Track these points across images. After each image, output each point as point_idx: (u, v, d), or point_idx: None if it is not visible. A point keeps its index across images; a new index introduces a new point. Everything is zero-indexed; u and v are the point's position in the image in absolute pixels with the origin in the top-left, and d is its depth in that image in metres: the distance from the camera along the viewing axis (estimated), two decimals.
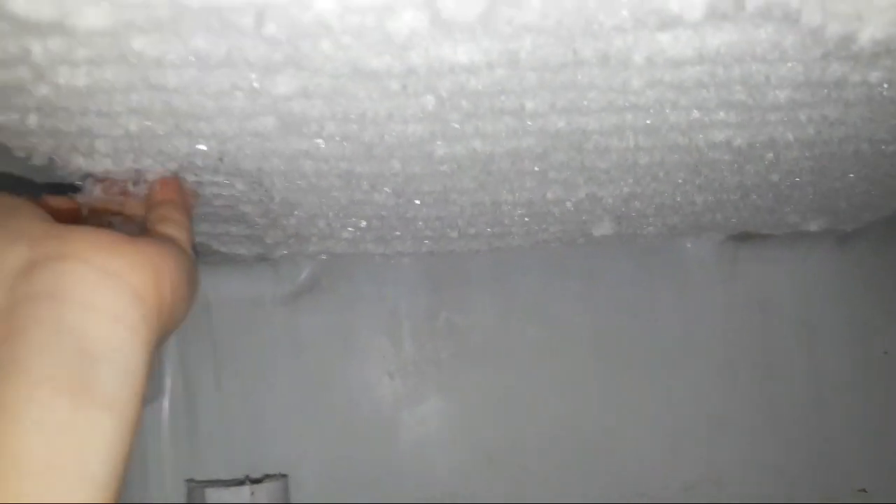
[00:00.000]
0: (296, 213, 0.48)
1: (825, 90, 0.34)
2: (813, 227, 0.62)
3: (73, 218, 0.36)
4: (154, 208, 0.36)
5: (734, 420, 0.74)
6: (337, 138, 0.36)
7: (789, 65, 0.31)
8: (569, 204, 0.49)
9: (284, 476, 0.62)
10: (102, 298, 0.24)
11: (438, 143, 0.38)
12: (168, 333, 0.28)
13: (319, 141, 0.36)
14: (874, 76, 0.33)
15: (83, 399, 0.22)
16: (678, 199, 0.50)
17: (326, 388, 0.70)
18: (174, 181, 0.40)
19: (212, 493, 0.56)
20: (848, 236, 0.73)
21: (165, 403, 0.64)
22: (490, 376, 0.73)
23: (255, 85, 0.31)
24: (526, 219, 0.53)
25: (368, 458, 0.71)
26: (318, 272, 0.69)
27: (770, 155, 0.43)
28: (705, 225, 0.58)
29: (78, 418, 0.22)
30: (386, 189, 0.44)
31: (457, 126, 0.36)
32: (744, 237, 0.73)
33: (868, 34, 0.26)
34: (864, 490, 0.73)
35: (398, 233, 0.54)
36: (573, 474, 0.73)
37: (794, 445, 0.73)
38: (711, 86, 0.33)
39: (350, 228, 0.53)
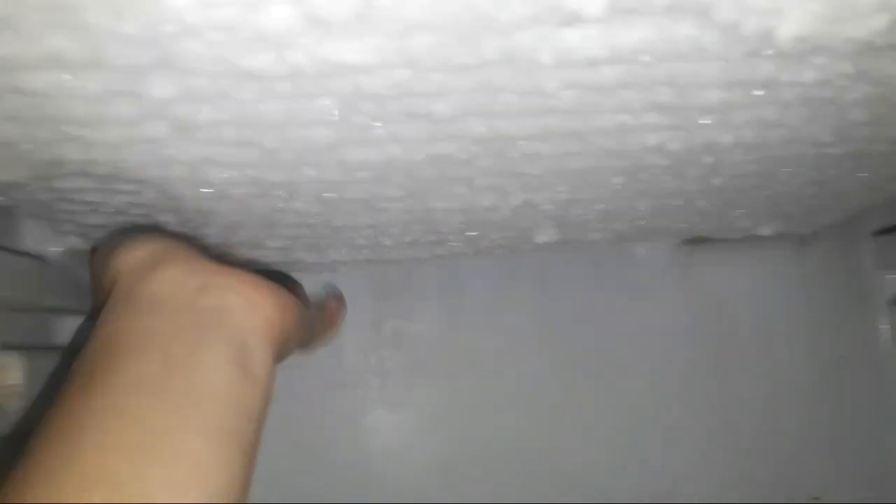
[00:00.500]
0: (216, 221, 0.45)
1: (758, 91, 0.32)
2: (765, 231, 0.60)
3: None
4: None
5: (689, 426, 0.72)
6: (236, 144, 0.33)
7: (714, 64, 0.29)
8: (505, 210, 0.47)
9: None
10: (249, 318, 0.32)
11: (350, 148, 0.35)
12: (284, 354, 0.37)
13: (218, 147, 0.33)
14: (807, 76, 0.30)
15: (245, 371, 0.30)
16: (619, 204, 0.48)
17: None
18: (341, 311, 0.53)
19: None
20: (805, 240, 0.72)
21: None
22: (438, 386, 0.71)
23: (131, 89, 0.28)
24: (463, 226, 0.50)
25: (310, 473, 0.68)
26: None
27: (709, 159, 0.40)
28: (653, 230, 0.56)
29: (242, 382, 0.30)
30: (304, 197, 0.41)
31: (365, 131, 0.33)
32: (698, 241, 0.71)
33: (787, 30, 0.24)
34: (818, 497, 0.71)
35: (329, 241, 0.51)
36: (525, 483, 0.70)
37: (749, 451, 0.72)
38: (634, 87, 0.30)
39: (276, 238, 0.50)
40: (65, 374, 0.30)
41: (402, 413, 0.71)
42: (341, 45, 0.25)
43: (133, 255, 0.34)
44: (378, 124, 0.32)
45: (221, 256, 0.47)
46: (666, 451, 0.72)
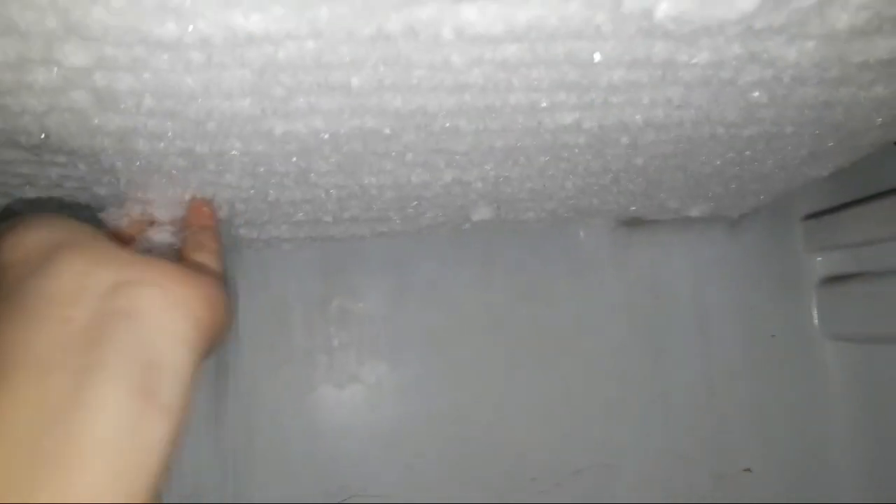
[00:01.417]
0: (148, 195, 0.46)
1: (659, 71, 0.34)
2: (694, 212, 0.62)
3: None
4: (191, 235, 0.41)
5: (627, 404, 0.74)
6: (159, 115, 0.34)
7: (610, 43, 0.30)
8: (437, 187, 0.48)
9: None
10: (171, 321, 0.28)
11: (273, 120, 0.36)
12: (213, 350, 0.32)
13: (140, 117, 0.34)
14: (701, 57, 0.32)
15: (150, 402, 0.26)
16: (546, 183, 0.49)
17: (210, 379, 0.67)
18: (209, 205, 0.44)
19: None
20: (738, 222, 0.75)
21: None
22: (384, 364, 0.72)
23: (45, 56, 0.28)
24: (399, 203, 0.52)
25: (257, 451, 0.69)
26: None
27: (625, 139, 0.42)
28: (585, 210, 0.58)
29: (143, 418, 0.26)
30: (235, 170, 0.42)
31: (286, 102, 0.34)
32: (636, 223, 0.73)
33: (663, 9, 0.26)
34: (749, 469, 0.74)
35: (266, 217, 0.52)
36: (468, 460, 0.72)
37: (684, 428, 0.75)
38: (537, 65, 0.32)
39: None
40: None
41: (349, 389, 0.72)
42: (244, 15, 0.26)
43: (22, 243, 0.29)
44: (296, 96, 0.33)
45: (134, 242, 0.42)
46: (605, 426, 0.74)
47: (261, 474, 0.69)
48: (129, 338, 0.26)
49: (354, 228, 0.56)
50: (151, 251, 0.41)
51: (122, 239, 0.40)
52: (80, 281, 0.27)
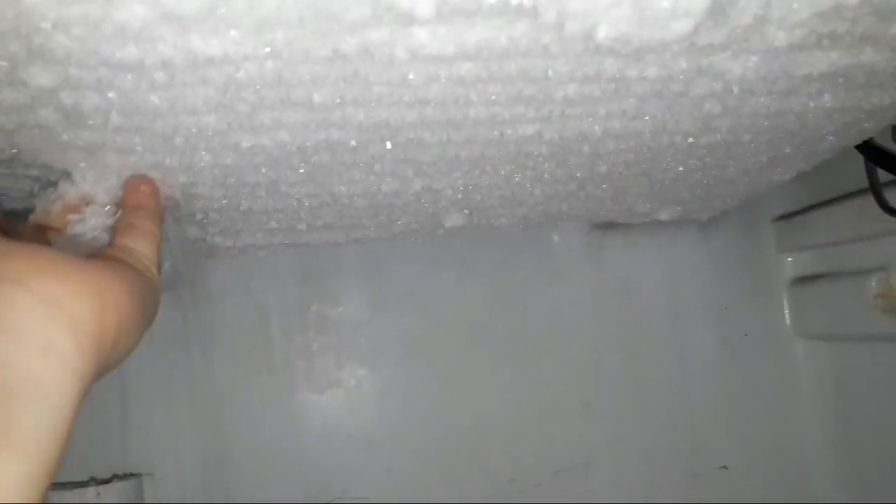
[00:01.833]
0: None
1: (611, 85, 0.35)
2: (665, 216, 0.64)
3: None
4: (123, 214, 0.35)
5: (604, 405, 0.76)
6: (126, 131, 0.35)
7: (560, 60, 0.31)
8: (408, 195, 0.49)
9: (136, 476, 0.61)
10: (34, 327, 0.22)
11: (240, 134, 0.37)
12: (113, 364, 0.26)
13: (108, 133, 0.35)
14: (650, 72, 0.34)
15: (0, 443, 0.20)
16: (515, 190, 0.51)
17: (191, 385, 0.68)
18: (149, 184, 0.38)
19: (54, 496, 0.54)
20: (709, 224, 0.76)
21: None
22: (363, 368, 0.73)
23: (11, 77, 0.29)
24: (371, 210, 0.53)
25: (238, 456, 0.70)
26: (179, 265, 0.67)
27: (586, 148, 0.43)
28: (556, 215, 0.59)
29: None
30: (206, 182, 0.43)
31: (250, 118, 0.35)
32: (609, 226, 0.74)
33: (603, 31, 0.27)
34: (725, 467, 0.76)
35: (240, 226, 0.53)
36: (448, 461, 0.73)
37: (660, 427, 0.76)
38: (492, 82, 0.33)
39: (189, 223, 0.51)
40: None
41: (329, 394, 0.73)
42: (203, 40, 0.27)
43: None
44: (260, 112, 0.34)
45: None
46: (582, 427, 0.76)
47: (243, 478, 0.70)
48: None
49: (329, 235, 0.57)
50: (80, 236, 0.36)
51: (43, 226, 0.36)
52: None
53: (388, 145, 0.40)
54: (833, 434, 0.76)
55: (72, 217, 0.36)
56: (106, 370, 0.26)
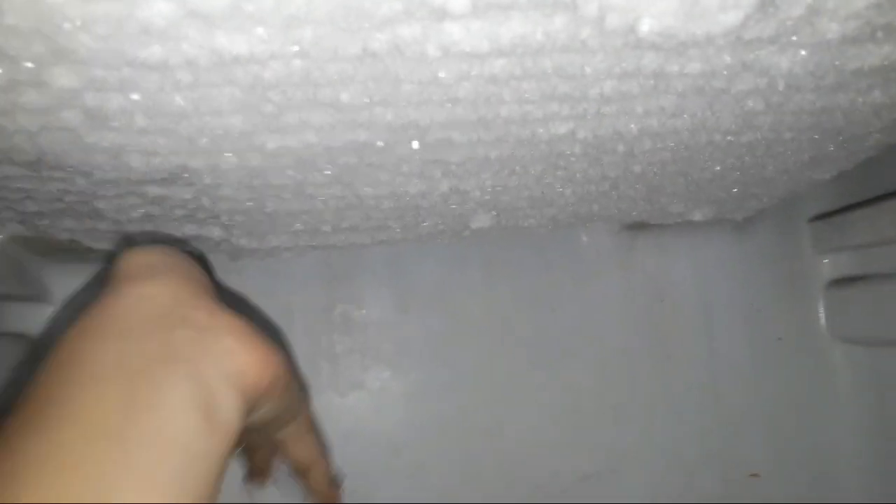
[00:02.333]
0: (147, 208, 0.47)
1: (651, 81, 0.34)
2: (698, 216, 0.62)
3: None
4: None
5: (633, 409, 0.74)
6: (151, 132, 0.34)
7: (598, 56, 0.30)
8: (434, 197, 0.48)
9: None
10: (234, 371, 0.30)
11: (266, 135, 0.36)
12: (253, 413, 0.33)
13: (132, 135, 0.34)
14: (692, 67, 0.32)
15: (208, 418, 0.28)
16: (545, 191, 0.49)
17: None
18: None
19: None
20: (743, 225, 0.74)
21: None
22: (389, 370, 0.72)
23: (34, 78, 0.29)
24: (398, 212, 0.52)
25: None
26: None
27: (621, 147, 0.42)
28: (586, 216, 0.58)
29: (202, 430, 0.27)
30: (231, 184, 0.42)
31: (276, 118, 0.34)
32: (640, 227, 0.73)
33: (646, 25, 0.25)
34: (757, 475, 0.74)
35: (266, 228, 0.52)
36: (473, 466, 0.72)
37: (691, 432, 0.74)
38: (527, 79, 0.32)
39: (214, 224, 0.51)
40: (28, 372, 0.28)
41: (353, 397, 0.72)
42: (228, 38, 0.26)
43: (135, 259, 0.33)
44: (287, 112, 0.33)
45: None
46: (611, 432, 0.74)
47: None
48: (195, 361, 0.29)
49: (354, 237, 0.57)
50: None
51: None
52: (162, 304, 0.30)
53: (416, 145, 0.39)
54: (870, 442, 0.73)
55: None
56: (247, 416, 0.32)
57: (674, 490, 0.74)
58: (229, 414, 0.29)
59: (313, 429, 0.46)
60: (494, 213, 0.54)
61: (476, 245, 0.73)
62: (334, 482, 0.52)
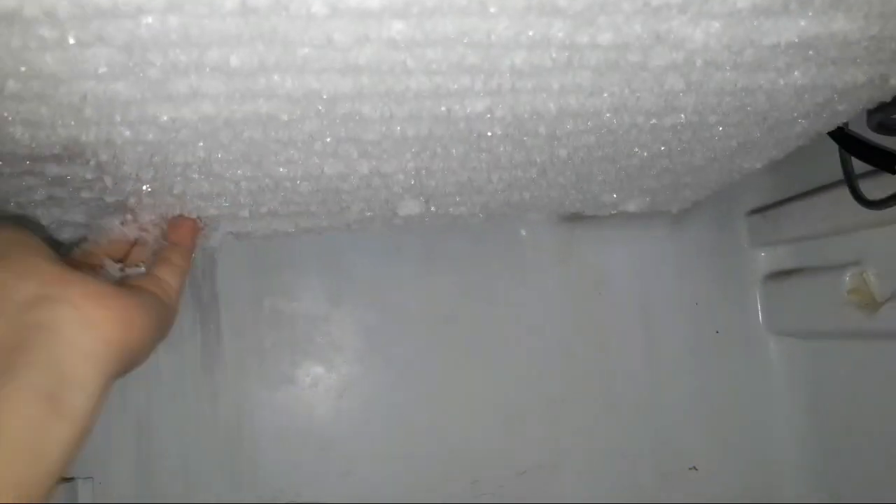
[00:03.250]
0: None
1: (563, 53, 0.32)
2: (632, 207, 0.61)
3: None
4: (163, 248, 0.44)
5: (571, 403, 0.73)
6: (29, 99, 0.32)
7: (503, 21, 0.28)
8: (355, 179, 0.46)
9: (71, 479, 0.57)
10: (82, 340, 0.30)
11: (157, 105, 0.34)
12: (130, 370, 0.34)
13: (8, 103, 0.32)
14: (603, 38, 0.31)
15: (55, 407, 0.28)
16: (471, 176, 0.48)
17: (134, 383, 0.64)
18: (189, 224, 0.47)
19: None
20: (681, 217, 0.74)
21: None
22: (319, 365, 0.70)
23: None
24: (318, 196, 0.49)
25: (183, 458, 0.66)
26: None
27: (542, 128, 0.40)
28: (518, 204, 0.56)
29: (48, 421, 0.28)
30: (128, 160, 0.39)
31: (164, 84, 0.32)
32: (577, 219, 0.72)
33: None
34: (695, 467, 0.73)
35: (177, 212, 0.49)
36: (408, 462, 0.70)
37: (629, 426, 0.74)
38: (430, 46, 0.30)
39: (120, 211, 0.48)
40: None
41: (282, 393, 0.69)
42: None
43: None
44: (174, 79, 0.31)
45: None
46: (549, 425, 0.73)
47: (187, 481, 0.66)
48: (42, 350, 0.29)
49: (276, 223, 0.54)
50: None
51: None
52: (9, 294, 0.30)
53: (325, 122, 0.37)
54: (806, 433, 0.73)
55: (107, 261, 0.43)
56: (123, 375, 0.33)
57: (612, 483, 0.73)
58: (82, 395, 0.29)
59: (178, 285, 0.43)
60: (423, 199, 0.52)
61: (412, 236, 0.71)
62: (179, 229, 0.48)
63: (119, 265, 0.43)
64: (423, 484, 0.70)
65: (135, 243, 0.46)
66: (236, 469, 0.68)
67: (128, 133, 0.36)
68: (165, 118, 0.35)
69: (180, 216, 0.47)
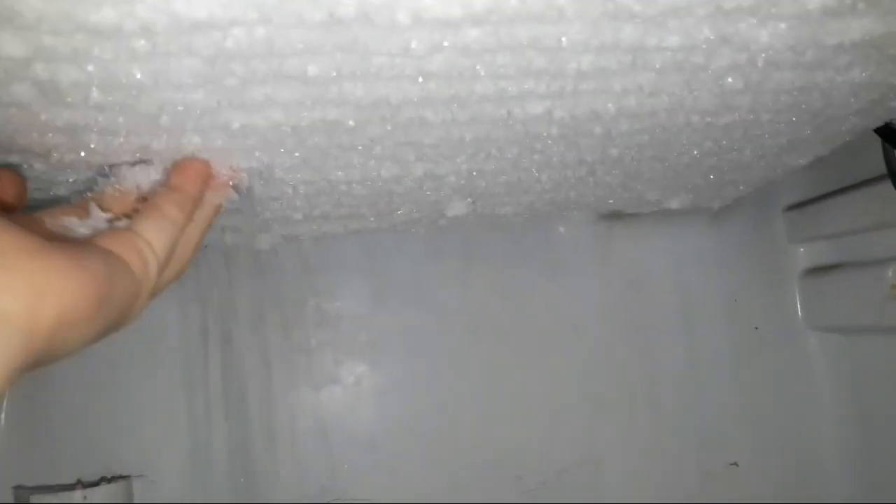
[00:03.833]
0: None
1: (629, 56, 0.33)
2: (675, 204, 0.61)
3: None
4: (158, 193, 0.34)
5: (612, 400, 0.73)
6: (109, 109, 0.33)
7: (576, 26, 0.29)
8: (409, 182, 0.47)
9: (125, 477, 0.58)
10: None
11: (230, 112, 0.34)
12: (55, 356, 0.26)
13: (89, 112, 0.33)
14: (671, 41, 0.31)
15: None
16: (521, 176, 0.48)
17: (188, 384, 0.66)
18: (198, 167, 0.37)
19: (37, 498, 0.52)
20: (720, 213, 0.74)
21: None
22: (363, 364, 0.71)
23: None
24: (370, 199, 0.50)
25: (232, 457, 0.67)
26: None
27: (598, 129, 0.41)
28: (563, 203, 0.57)
29: None
30: None
31: (240, 93, 0.32)
32: (616, 216, 0.72)
33: None
34: (736, 464, 0.74)
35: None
36: (451, 460, 0.71)
37: (669, 423, 0.74)
38: (501, 51, 0.31)
39: None
40: None
41: (327, 392, 0.71)
42: (185, 1, 0.24)
43: None
44: (251, 86, 0.32)
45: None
46: (590, 423, 0.73)
47: (236, 480, 0.68)
48: None
49: (326, 226, 0.55)
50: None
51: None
52: None
53: (388, 127, 0.38)
54: (847, 430, 0.73)
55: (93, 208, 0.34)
56: (43, 362, 0.25)
57: (653, 481, 0.73)
58: None
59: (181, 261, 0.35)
60: (470, 199, 0.53)
61: (452, 236, 0.72)
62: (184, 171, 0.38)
63: (107, 216, 0.34)
64: (466, 480, 0.70)
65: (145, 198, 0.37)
66: (280, 467, 0.69)
67: (198, 140, 0.37)
68: (237, 125, 0.36)
69: (189, 158, 0.37)
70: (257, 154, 0.40)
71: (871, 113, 0.44)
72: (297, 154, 0.41)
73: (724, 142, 0.46)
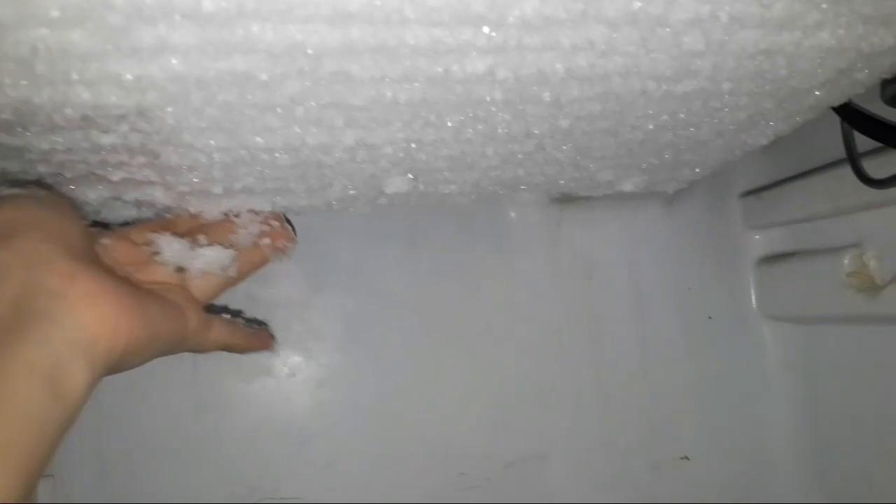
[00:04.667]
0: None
1: (578, 3, 0.29)
2: (628, 186, 0.58)
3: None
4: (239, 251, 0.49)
5: (561, 391, 0.70)
6: None
7: None
8: (339, 152, 0.43)
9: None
10: (73, 335, 0.31)
11: (118, 60, 0.30)
12: (121, 370, 0.36)
13: None
14: None
15: (52, 388, 0.30)
16: (465, 149, 0.44)
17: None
18: (286, 235, 0.51)
19: None
20: (674, 198, 0.71)
21: None
22: (298, 354, 0.66)
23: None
24: (298, 171, 0.45)
25: (153, 453, 0.62)
26: None
27: (547, 94, 0.37)
28: (511, 182, 0.53)
29: (45, 401, 0.29)
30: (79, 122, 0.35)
31: (126, 34, 0.28)
32: (569, 200, 0.69)
33: None
34: (687, 457, 0.71)
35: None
36: (391, 455, 0.67)
37: (620, 415, 0.71)
38: None
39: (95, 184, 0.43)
40: None
41: (259, 384, 0.66)
42: None
43: None
44: (140, 28, 0.27)
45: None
46: (537, 415, 0.70)
47: (158, 477, 0.62)
48: (42, 332, 0.30)
49: (252, 201, 0.50)
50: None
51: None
52: (9, 273, 0.31)
53: (308, 83, 0.33)
54: (801, 421, 0.72)
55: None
56: (112, 373, 0.35)
57: (602, 475, 0.70)
58: (75, 383, 0.31)
59: (213, 324, 0.46)
60: (411, 175, 0.49)
61: (396, 218, 0.68)
62: (258, 335, 0.54)
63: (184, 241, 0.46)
64: (407, 477, 0.67)
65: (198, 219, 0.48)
66: (207, 464, 0.64)
67: (86, 95, 0.32)
68: (129, 76, 0.31)
69: (279, 217, 0.51)
70: (158, 113, 0.35)
71: (836, 85, 0.41)
72: (206, 114, 0.36)
73: (682, 115, 0.43)
